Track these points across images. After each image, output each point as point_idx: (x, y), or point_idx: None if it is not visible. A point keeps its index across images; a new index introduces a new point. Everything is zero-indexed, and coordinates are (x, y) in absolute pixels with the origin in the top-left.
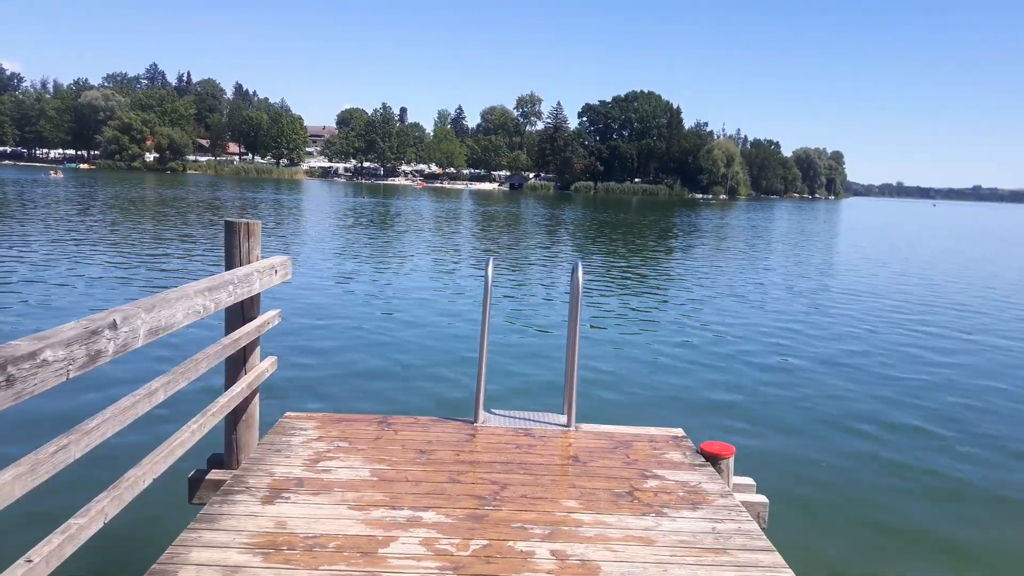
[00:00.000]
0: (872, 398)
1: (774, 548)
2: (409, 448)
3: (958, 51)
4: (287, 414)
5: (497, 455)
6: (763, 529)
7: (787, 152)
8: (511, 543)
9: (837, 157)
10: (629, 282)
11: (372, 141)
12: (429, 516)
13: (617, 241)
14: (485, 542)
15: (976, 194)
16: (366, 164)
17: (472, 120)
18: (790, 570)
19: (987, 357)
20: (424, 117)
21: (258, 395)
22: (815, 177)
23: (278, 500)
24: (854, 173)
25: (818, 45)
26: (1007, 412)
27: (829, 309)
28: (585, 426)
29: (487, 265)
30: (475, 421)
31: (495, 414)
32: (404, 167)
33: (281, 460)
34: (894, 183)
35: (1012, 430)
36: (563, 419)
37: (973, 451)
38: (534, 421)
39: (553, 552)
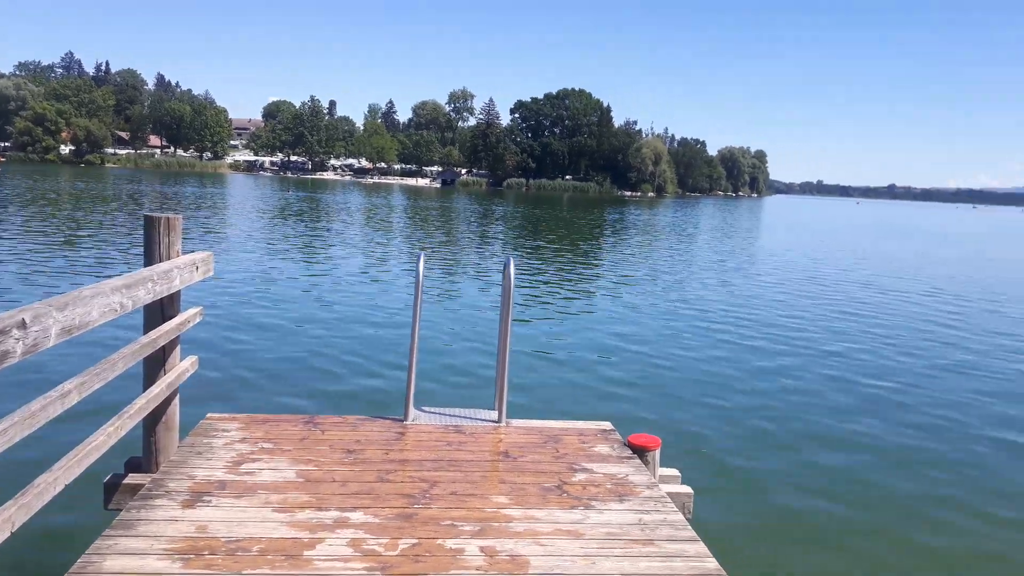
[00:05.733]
0: (795, 388)
1: (699, 538)
2: (336, 448)
3: (872, 53)
4: (209, 415)
5: (427, 453)
6: (688, 519)
7: (712, 151)
8: (440, 541)
9: (760, 156)
10: (560, 278)
11: (300, 134)
12: (357, 516)
13: (549, 237)
14: (414, 541)
15: (891, 192)
16: (293, 158)
17: (403, 114)
18: (714, 560)
19: (912, 346)
20: (354, 111)
21: (178, 396)
22: (739, 175)
23: (199, 504)
24: (776, 172)
25: (743, 46)
26: (925, 395)
27: (753, 301)
28: (516, 421)
29: (418, 261)
30: (405, 419)
31: (425, 411)
32: (333, 161)
33: (202, 463)
34: (814, 181)
35: (927, 412)
36: (494, 415)
37: (894, 439)
38: (465, 418)
39: (483, 548)
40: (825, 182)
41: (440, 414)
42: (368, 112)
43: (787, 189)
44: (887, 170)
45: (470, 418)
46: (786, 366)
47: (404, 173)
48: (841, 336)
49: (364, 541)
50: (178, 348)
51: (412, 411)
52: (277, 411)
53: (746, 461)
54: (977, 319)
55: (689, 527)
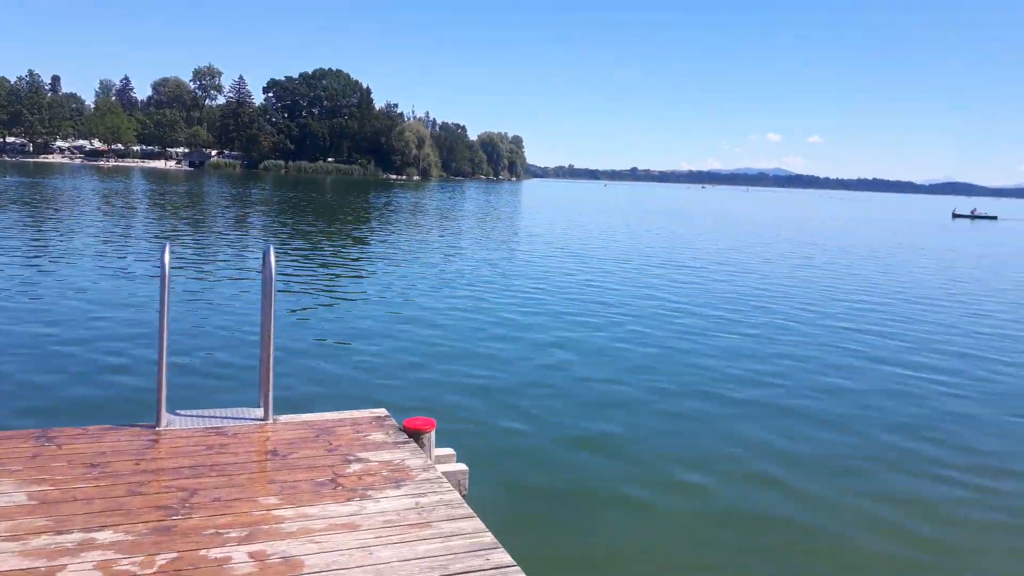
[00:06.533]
0: (562, 358)
1: (475, 515)
2: (77, 463)
3: (614, 43)
4: None
5: (185, 459)
6: (464, 496)
7: (473, 136)
8: (204, 552)
9: (517, 141)
10: (327, 263)
11: (17, 113)
12: (105, 536)
13: (314, 222)
14: (174, 555)
15: (634, 175)
16: (10, 139)
17: (142, 92)
18: (490, 534)
19: (665, 316)
20: (83, 87)
21: None
22: (499, 160)
23: None
24: (532, 156)
25: (497, 33)
26: (680, 362)
27: (517, 278)
28: (284, 417)
29: (163, 251)
30: (158, 425)
31: (181, 415)
32: (60, 143)
33: None
34: (567, 166)
35: (681, 378)
36: (260, 412)
37: (652, 404)
38: (227, 418)
39: (252, 554)
40: (576, 166)
41: (198, 416)
42: (100, 89)
43: (543, 173)
44: (630, 154)
45: (233, 418)
46: (556, 339)
47: (145, 155)
48: (603, 307)
49: (115, 562)
50: None
51: (165, 415)
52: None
53: (519, 432)
54: (713, 293)
55: (465, 504)
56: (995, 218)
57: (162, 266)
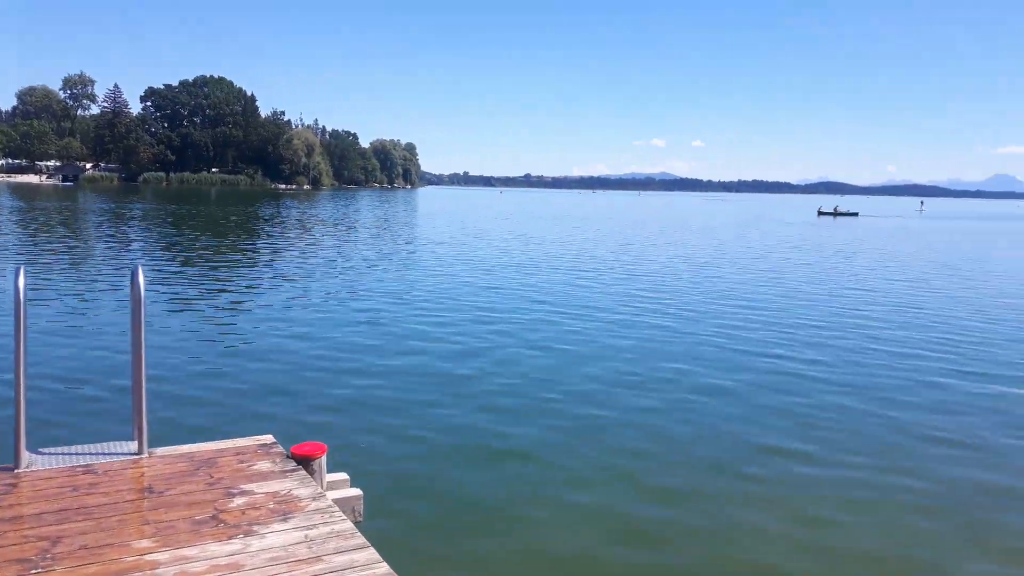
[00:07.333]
0: (458, 371)
1: (368, 544)
2: None
3: (503, 51)
4: None
5: (48, 504)
6: (359, 522)
7: (365, 143)
8: None
9: (411, 149)
10: (204, 281)
11: None
12: None
13: (197, 236)
14: None
15: (528, 181)
16: None
17: (6, 102)
18: (385, 564)
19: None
20: None
21: None
22: (392, 167)
23: None
24: (427, 164)
25: (389, 39)
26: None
27: (409, 291)
28: (160, 450)
29: (16, 275)
30: (16, 466)
31: (44, 454)
32: None
33: None
34: (461, 173)
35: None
36: (133, 446)
37: (552, 420)
38: (97, 454)
39: None
40: (471, 173)
41: (64, 454)
42: None
43: (438, 180)
44: (522, 161)
45: (103, 453)
46: (451, 352)
47: (11, 170)
48: (498, 317)
49: None
50: None
51: (25, 455)
52: None
53: (416, 451)
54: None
55: (358, 533)
56: (856, 215)
57: (15, 291)
